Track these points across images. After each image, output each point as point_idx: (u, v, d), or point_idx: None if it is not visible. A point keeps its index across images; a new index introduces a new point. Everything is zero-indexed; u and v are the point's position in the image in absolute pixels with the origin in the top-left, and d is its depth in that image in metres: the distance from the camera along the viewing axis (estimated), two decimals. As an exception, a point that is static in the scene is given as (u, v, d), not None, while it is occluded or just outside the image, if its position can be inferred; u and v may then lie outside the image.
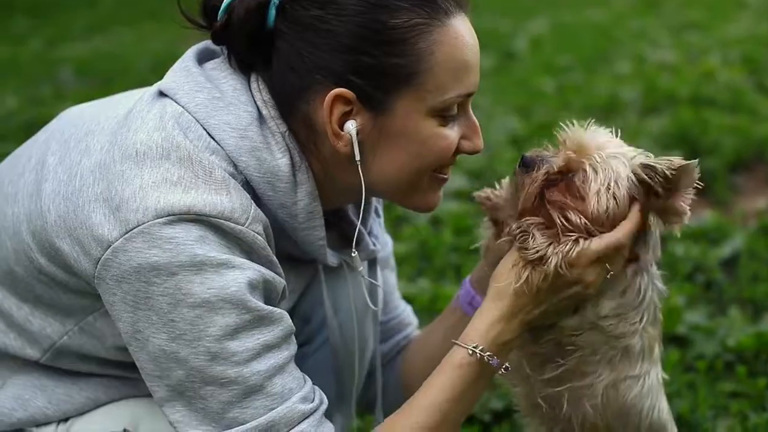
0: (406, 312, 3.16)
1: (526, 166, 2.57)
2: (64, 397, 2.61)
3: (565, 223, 2.51)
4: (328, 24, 2.40)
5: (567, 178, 2.55)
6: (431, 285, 4.64)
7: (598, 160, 2.54)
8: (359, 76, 2.40)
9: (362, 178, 2.48)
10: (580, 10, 11.76)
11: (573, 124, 2.62)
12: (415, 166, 2.49)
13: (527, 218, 2.54)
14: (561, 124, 2.64)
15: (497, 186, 2.76)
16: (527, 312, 2.53)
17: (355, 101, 2.41)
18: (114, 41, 10.78)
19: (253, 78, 2.51)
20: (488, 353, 2.50)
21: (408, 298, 4.38)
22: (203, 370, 2.34)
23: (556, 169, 2.56)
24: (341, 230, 2.77)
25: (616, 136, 2.62)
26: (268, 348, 2.38)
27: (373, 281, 2.82)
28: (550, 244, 2.49)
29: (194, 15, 2.57)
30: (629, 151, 2.59)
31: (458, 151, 2.52)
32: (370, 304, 2.78)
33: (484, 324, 2.53)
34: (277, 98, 2.48)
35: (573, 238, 2.50)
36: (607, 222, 2.53)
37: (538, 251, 2.48)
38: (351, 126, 2.43)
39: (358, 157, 2.45)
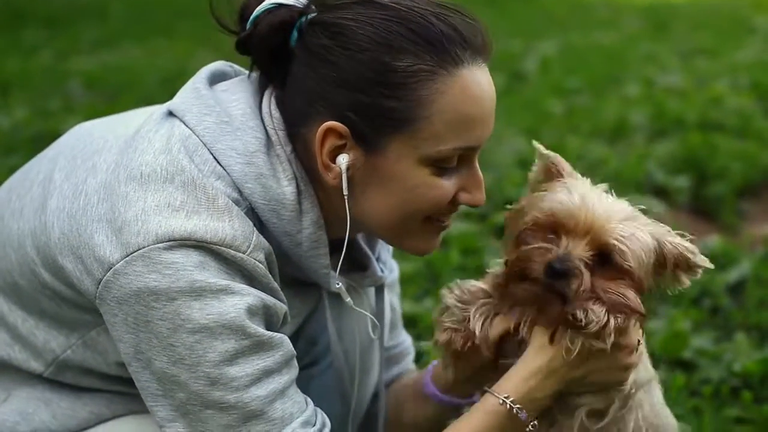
0: (407, 342, 3.15)
1: (561, 275, 2.45)
2: (68, 411, 2.60)
3: (626, 303, 2.48)
4: (334, 56, 2.39)
5: (600, 261, 2.49)
6: (437, 306, 4.62)
7: (624, 234, 2.50)
8: (355, 113, 2.39)
9: (348, 212, 2.46)
10: (589, 32, 11.77)
11: (573, 198, 2.54)
12: (403, 211, 2.47)
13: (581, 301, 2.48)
14: (557, 205, 2.55)
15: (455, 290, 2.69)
16: (567, 371, 2.53)
17: (349, 137, 2.40)
18: (123, 56, 10.79)
19: (266, 98, 2.50)
20: (518, 406, 2.50)
21: (414, 318, 4.39)
22: (203, 395, 2.34)
23: (587, 263, 2.48)
24: (350, 255, 2.75)
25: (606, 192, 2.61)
26: (268, 373, 2.37)
27: (365, 313, 2.78)
28: (608, 312, 2.47)
29: (225, 18, 2.55)
30: (641, 218, 2.57)
31: (456, 201, 2.49)
32: (371, 334, 2.77)
33: (520, 377, 2.52)
34: (285, 119, 2.47)
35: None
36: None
37: (599, 322, 2.45)
38: (342, 160, 2.42)
39: (345, 192, 2.44)
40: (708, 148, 6.70)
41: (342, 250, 2.57)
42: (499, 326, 2.60)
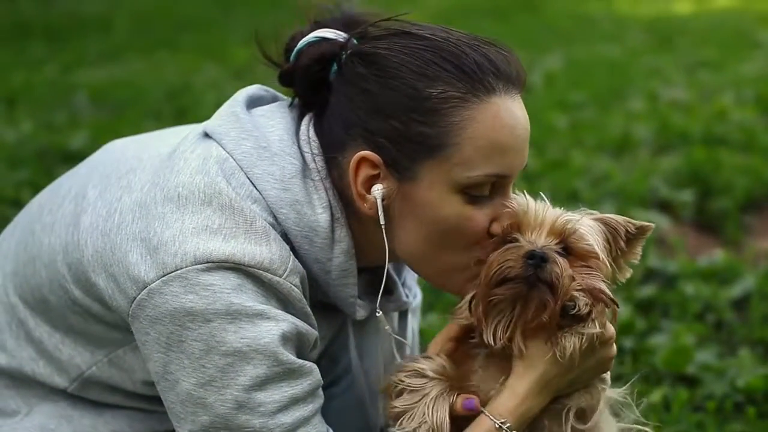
0: None
1: (543, 260, 2.48)
2: (89, 429, 2.61)
3: (601, 289, 2.54)
4: (369, 84, 2.42)
5: (564, 251, 2.55)
6: (440, 320, 4.63)
7: (575, 219, 2.59)
8: (389, 140, 2.41)
9: (386, 243, 2.48)
10: (594, 46, 11.77)
11: (521, 200, 2.58)
12: (436, 241, 2.47)
13: (573, 294, 2.52)
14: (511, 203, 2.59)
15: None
16: (559, 379, 2.53)
17: (382, 166, 2.42)
18: (128, 69, 10.80)
19: (304, 125, 2.52)
20: (508, 425, 2.49)
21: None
22: (228, 418, 2.35)
23: (557, 251, 2.54)
24: (374, 276, 2.76)
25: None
26: (296, 401, 2.39)
27: (398, 338, 2.79)
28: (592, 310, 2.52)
29: (270, 50, 2.61)
30: (571, 213, 2.63)
31: (490, 233, 2.49)
32: (397, 357, 2.77)
33: (515, 399, 2.51)
34: (323, 146, 2.49)
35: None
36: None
37: (589, 305, 2.51)
38: (377, 190, 2.44)
39: (382, 221, 2.45)
40: (712, 163, 6.70)
41: (380, 278, 2.59)
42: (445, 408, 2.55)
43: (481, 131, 2.41)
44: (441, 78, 2.40)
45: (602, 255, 2.56)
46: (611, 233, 2.62)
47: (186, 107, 8.40)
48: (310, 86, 2.53)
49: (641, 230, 2.65)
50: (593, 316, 2.51)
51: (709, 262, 5.28)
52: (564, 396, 2.61)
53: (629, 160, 7.19)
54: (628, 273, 2.68)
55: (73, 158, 3.82)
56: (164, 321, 2.34)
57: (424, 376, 2.57)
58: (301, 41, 2.53)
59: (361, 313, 2.63)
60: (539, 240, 2.52)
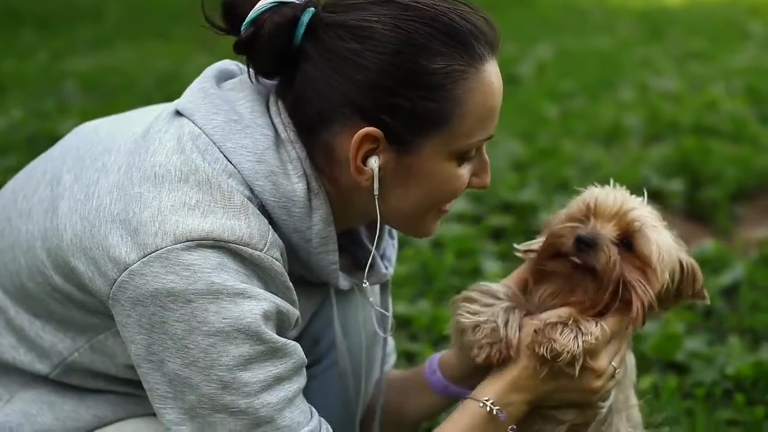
0: (391, 344, 3.16)
1: (589, 245, 2.53)
2: (72, 414, 2.60)
3: (643, 301, 2.54)
4: (364, 60, 2.38)
5: (625, 247, 2.57)
6: (431, 307, 4.64)
7: (651, 224, 2.60)
8: (391, 116, 2.40)
9: (378, 211, 2.49)
10: (585, 37, 11.78)
11: (603, 190, 2.64)
12: (428, 202, 2.51)
13: (546, 322, 2.53)
14: (576, 189, 2.67)
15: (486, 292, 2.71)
16: (538, 384, 2.57)
17: (383, 140, 2.41)
18: (118, 57, 10.77)
19: (272, 98, 2.50)
20: (497, 407, 2.53)
21: (408, 320, 4.40)
22: (214, 398, 2.34)
23: (613, 241, 2.56)
24: (354, 254, 2.76)
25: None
26: (280, 380, 2.38)
27: (381, 311, 2.81)
28: (575, 338, 2.51)
29: (215, 16, 2.51)
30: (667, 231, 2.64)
31: (468, 186, 2.54)
32: (380, 332, 2.78)
33: (497, 384, 2.56)
34: (297, 120, 2.47)
35: (591, 329, 2.52)
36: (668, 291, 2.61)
37: (569, 351, 2.49)
38: (374, 162, 2.43)
39: (376, 192, 2.46)
40: (702, 153, 6.71)
41: (356, 244, 2.62)
42: (530, 327, 2.59)
43: (479, 100, 2.43)
44: (441, 52, 2.39)
45: (660, 272, 2.56)
46: (683, 278, 2.63)
47: (176, 95, 8.27)
48: (273, 54, 2.46)
49: (697, 296, 2.67)
50: (575, 361, 2.51)
51: (699, 251, 5.29)
52: (560, 410, 2.63)
53: (619, 149, 7.20)
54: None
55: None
56: (145, 302, 2.32)
57: (496, 296, 2.64)
58: (256, 7, 2.44)
59: (343, 283, 2.63)
60: (602, 227, 2.56)
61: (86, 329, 2.52)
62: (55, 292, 2.49)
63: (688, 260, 2.63)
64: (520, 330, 2.59)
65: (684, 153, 6.72)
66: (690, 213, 6.11)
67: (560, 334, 2.49)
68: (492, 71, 2.46)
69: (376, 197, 2.46)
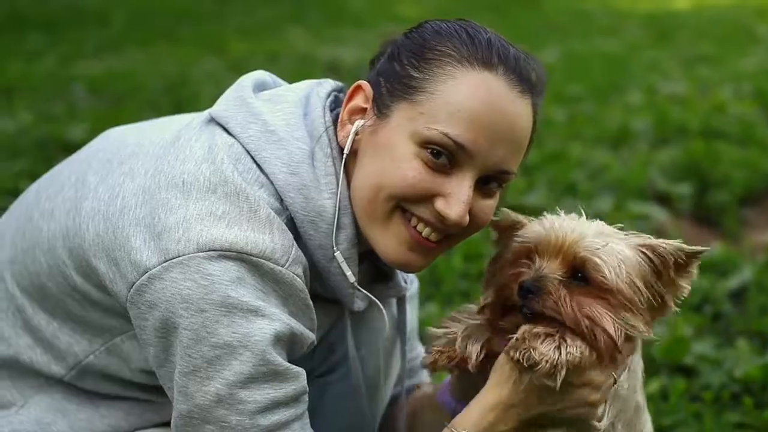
0: (422, 355, 3.13)
1: (533, 292, 2.46)
2: (85, 423, 2.60)
3: (616, 323, 2.45)
4: (398, 39, 2.53)
5: (580, 280, 2.48)
6: (440, 310, 4.64)
7: (597, 246, 2.47)
8: (385, 79, 2.46)
9: (341, 175, 2.47)
10: (592, 40, 11.79)
11: (531, 221, 2.57)
12: (378, 181, 2.43)
13: (525, 329, 2.46)
14: (519, 223, 2.59)
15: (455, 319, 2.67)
16: (526, 408, 2.49)
17: (371, 103, 2.47)
18: (126, 61, 10.81)
19: (321, 104, 2.55)
20: None
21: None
22: (206, 410, 2.34)
23: (560, 279, 2.46)
24: (376, 265, 2.75)
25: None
26: (277, 405, 2.38)
27: (378, 308, 2.79)
28: (557, 348, 2.43)
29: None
30: (617, 233, 2.54)
31: (432, 202, 2.43)
32: (397, 344, 2.76)
33: (478, 411, 2.49)
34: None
35: (578, 342, 2.44)
36: (636, 312, 2.49)
37: (548, 361, 2.41)
38: (358, 123, 2.47)
39: (347, 150, 2.47)
40: (710, 156, 6.71)
41: (379, 268, 2.61)
42: (478, 343, 2.56)
43: (457, 93, 2.40)
44: (451, 40, 2.44)
45: (626, 288, 2.45)
46: (659, 262, 2.50)
47: (184, 99, 8.39)
48: None
49: (692, 256, 2.52)
50: (557, 370, 2.42)
51: (707, 255, 5.28)
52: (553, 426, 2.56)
53: (627, 152, 7.20)
54: (674, 306, 2.56)
55: (71, 149, 3.82)
56: (160, 307, 2.33)
57: (471, 314, 2.62)
58: None
59: (358, 304, 2.61)
60: (548, 268, 2.47)
61: (103, 331, 2.53)
62: (75, 291, 2.50)
63: (645, 244, 2.51)
64: (482, 348, 2.55)
65: (692, 156, 6.72)
66: (698, 216, 6.11)
67: (541, 343, 2.42)
68: (493, 84, 2.42)
69: (344, 156, 2.47)
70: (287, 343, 2.39)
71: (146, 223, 2.36)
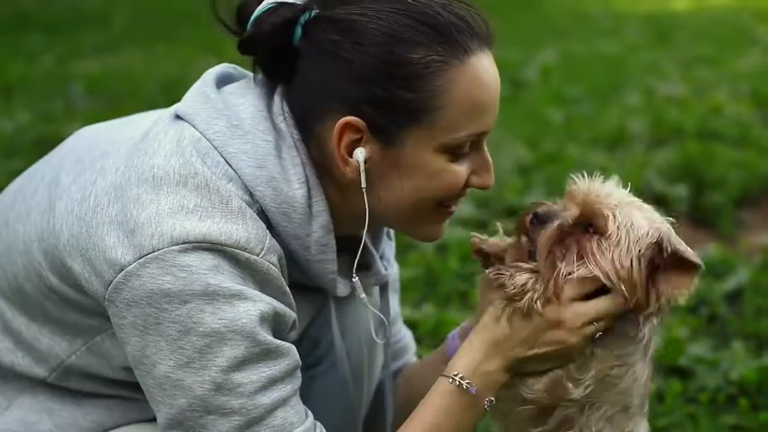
0: (407, 337, 3.15)
1: (541, 221, 2.53)
2: (70, 421, 2.59)
3: (577, 270, 2.49)
4: (346, 52, 2.39)
5: (583, 229, 2.52)
6: (436, 311, 4.65)
7: (616, 205, 2.53)
8: (372, 107, 2.39)
9: (366, 205, 2.47)
10: (590, 41, 11.79)
11: (582, 177, 2.61)
12: (419, 198, 2.48)
13: (513, 262, 2.53)
14: (570, 178, 2.63)
15: (498, 231, 2.71)
16: (510, 348, 2.51)
17: (366, 130, 2.40)
18: (125, 61, 10.81)
19: (276, 98, 2.50)
20: (467, 381, 2.49)
21: (412, 324, 4.40)
22: (206, 399, 2.34)
23: (570, 222, 2.52)
24: (354, 253, 2.76)
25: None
26: (274, 381, 2.38)
27: (377, 312, 2.78)
28: (530, 279, 2.48)
29: (227, 19, 2.53)
30: (645, 206, 2.58)
31: (468, 185, 2.51)
32: (375, 338, 2.77)
33: (466, 355, 2.52)
34: (296, 116, 2.47)
35: (553, 276, 2.48)
36: (623, 276, 2.49)
37: (515, 286, 2.47)
38: (359, 153, 2.42)
39: (363, 184, 2.44)
40: (707, 157, 6.72)
41: (356, 246, 2.59)
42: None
43: (463, 93, 2.41)
44: (420, 42, 2.38)
45: (623, 240, 2.48)
46: (661, 250, 2.50)
47: (181, 99, 8.37)
48: (273, 54, 2.49)
49: (683, 263, 2.51)
50: (524, 295, 2.47)
51: (703, 256, 5.26)
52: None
53: (624, 154, 7.21)
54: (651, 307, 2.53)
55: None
56: (141, 303, 2.32)
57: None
58: (258, 8, 2.48)
59: (341, 290, 2.62)
60: (564, 208, 2.54)
61: (83, 331, 2.52)
62: (52, 293, 2.49)
63: (662, 230, 2.51)
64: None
65: (688, 158, 6.73)
66: (694, 218, 6.11)
67: (519, 274, 2.48)
68: (480, 64, 2.44)
69: (363, 190, 2.45)
70: (272, 323, 2.39)
71: (119, 221, 2.36)
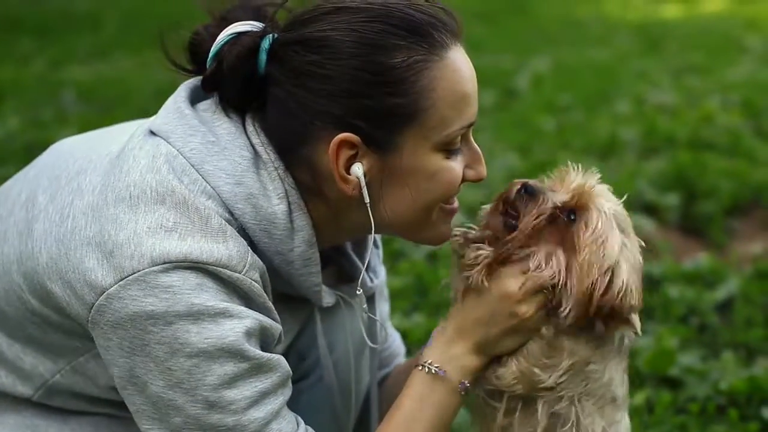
0: (396, 342, 3.16)
1: (531, 194, 2.55)
2: None
3: (544, 263, 2.51)
4: (324, 69, 2.38)
5: (566, 218, 2.55)
6: (427, 320, 4.64)
7: (601, 206, 2.57)
8: (361, 119, 2.39)
9: (372, 220, 2.47)
10: (582, 49, 11.80)
11: (576, 166, 2.63)
12: (425, 202, 2.48)
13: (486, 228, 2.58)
14: (564, 163, 2.65)
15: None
16: (472, 329, 2.53)
17: (360, 144, 2.40)
18: (116, 67, 10.79)
19: (248, 120, 2.48)
20: (436, 365, 2.51)
21: (403, 333, 4.38)
22: (200, 418, 2.34)
23: (559, 205, 2.55)
24: (340, 265, 2.76)
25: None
26: (265, 395, 2.38)
27: (371, 316, 2.79)
28: (481, 254, 2.53)
29: (180, 57, 2.54)
30: (628, 223, 2.64)
31: (463, 180, 2.52)
32: (369, 343, 2.77)
33: (436, 342, 2.56)
34: (275, 143, 2.45)
35: (501, 251, 2.52)
36: (587, 273, 2.51)
37: (471, 257, 2.53)
38: (358, 169, 2.42)
39: (367, 200, 2.44)
40: (698, 167, 6.72)
41: (340, 257, 2.59)
42: None
43: (447, 88, 2.41)
44: (399, 45, 2.38)
45: (586, 258, 2.49)
46: (620, 286, 2.52)
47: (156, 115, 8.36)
48: (240, 86, 2.46)
49: (627, 322, 2.55)
50: (473, 266, 2.52)
51: (694, 266, 5.31)
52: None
53: (615, 163, 7.21)
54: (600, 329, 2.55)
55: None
56: (125, 326, 2.30)
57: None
58: (216, 41, 2.46)
59: (327, 300, 2.61)
60: (554, 190, 2.57)
61: (66, 352, 2.50)
62: (33, 315, 2.47)
63: (631, 277, 2.54)
64: None
65: (679, 167, 6.73)
66: (685, 227, 6.12)
67: (477, 248, 2.54)
68: (457, 57, 2.45)
69: (368, 205, 2.45)
70: (259, 337, 2.39)
71: (97, 242, 2.33)
